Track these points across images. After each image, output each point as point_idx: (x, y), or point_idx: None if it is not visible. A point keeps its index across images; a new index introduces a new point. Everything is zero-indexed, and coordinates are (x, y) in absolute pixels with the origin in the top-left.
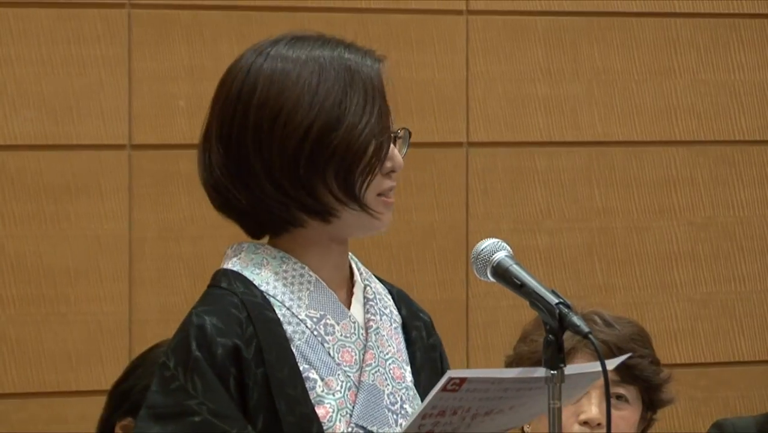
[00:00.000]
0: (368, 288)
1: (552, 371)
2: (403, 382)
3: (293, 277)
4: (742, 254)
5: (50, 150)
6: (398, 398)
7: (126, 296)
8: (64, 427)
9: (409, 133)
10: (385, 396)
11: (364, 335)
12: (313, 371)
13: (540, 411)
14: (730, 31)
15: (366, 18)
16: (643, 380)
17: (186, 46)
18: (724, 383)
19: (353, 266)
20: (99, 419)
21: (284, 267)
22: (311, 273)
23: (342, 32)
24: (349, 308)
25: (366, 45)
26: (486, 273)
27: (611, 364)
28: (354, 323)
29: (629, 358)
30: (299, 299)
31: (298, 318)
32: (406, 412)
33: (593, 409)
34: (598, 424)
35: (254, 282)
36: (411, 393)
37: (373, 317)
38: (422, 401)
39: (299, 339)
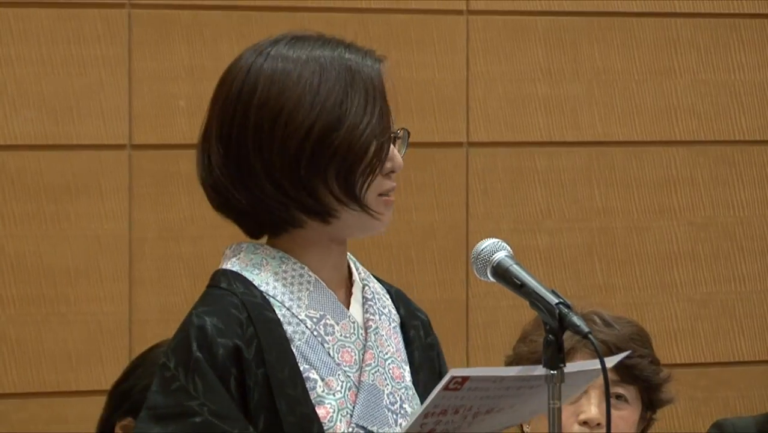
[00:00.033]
0: (367, 288)
1: (552, 371)
2: (403, 382)
3: (293, 277)
4: (742, 254)
5: (50, 150)
6: (398, 398)
7: (126, 296)
8: (64, 427)
9: (408, 134)
10: (385, 396)
11: (364, 334)
12: (313, 371)
13: (540, 409)
14: (730, 31)
15: (366, 18)
16: (642, 380)
17: (186, 46)
18: (724, 383)
19: (351, 265)
20: (99, 419)
21: (284, 267)
22: (311, 273)
23: (342, 32)
24: (348, 308)
25: (366, 45)
26: (486, 273)
27: (611, 362)
28: (353, 323)
29: (629, 358)
30: (299, 299)
31: (298, 318)
32: (406, 412)
33: (593, 409)
34: (598, 424)
35: (254, 282)
36: (410, 393)
37: (372, 317)
38: (421, 400)
39: (299, 339)
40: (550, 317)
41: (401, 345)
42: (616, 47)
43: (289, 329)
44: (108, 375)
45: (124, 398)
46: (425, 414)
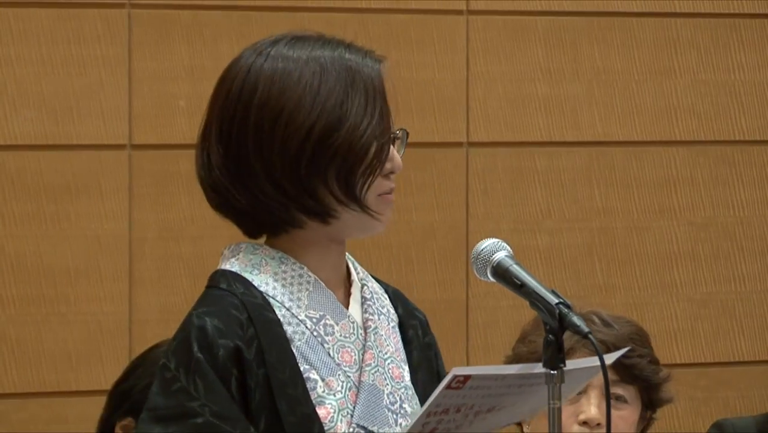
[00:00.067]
0: (365, 288)
1: (552, 371)
2: (402, 381)
3: (292, 277)
4: (742, 254)
5: (50, 150)
6: (397, 398)
7: (126, 296)
8: (64, 427)
9: (407, 134)
10: (385, 396)
11: (363, 334)
12: (313, 371)
13: (540, 406)
14: (730, 31)
15: (366, 18)
16: (642, 380)
17: (186, 46)
18: (724, 383)
19: (350, 265)
20: (99, 419)
21: (283, 268)
22: (310, 273)
23: (342, 32)
24: (347, 307)
25: (366, 45)
26: (486, 273)
27: (609, 358)
28: (353, 323)
29: (628, 357)
30: (299, 299)
31: (298, 319)
32: (406, 411)
33: (592, 409)
34: (598, 424)
35: (254, 283)
36: (410, 392)
37: (371, 317)
38: (420, 400)
39: (299, 340)
40: (550, 317)
41: (400, 345)
42: (616, 47)
43: (289, 330)
44: (108, 375)
45: (124, 398)
46: (428, 413)
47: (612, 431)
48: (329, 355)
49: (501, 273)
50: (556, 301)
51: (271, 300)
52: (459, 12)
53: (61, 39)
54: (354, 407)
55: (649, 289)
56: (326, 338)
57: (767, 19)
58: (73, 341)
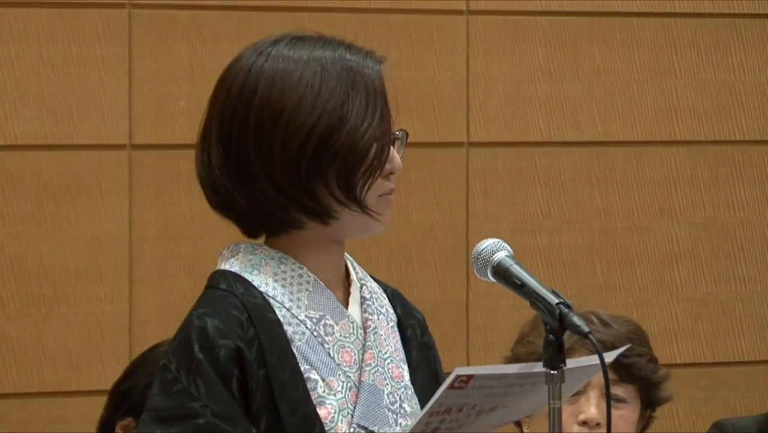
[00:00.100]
0: (364, 287)
1: (552, 371)
2: (402, 381)
3: (292, 278)
4: (742, 254)
5: (50, 150)
6: (397, 398)
7: (126, 296)
8: (64, 427)
9: (407, 135)
10: (385, 396)
11: (363, 334)
12: (314, 371)
13: (540, 404)
14: (730, 31)
15: (366, 18)
16: (641, 379)
17: (186, 46)
18: (724, 383)
19: (349, 265)
20: (99, 419)
21: (283, 268)
22: (309, 274)
23: (342, 32)
24: (346, 308)
25: (366, 45)
26: (486, 273)
27: (609, 357)
28: (352, 323)
29: (627, 357)
30: (298, 299)
31: (298, 319)
32: (405, 411)
33: (592, 409)
34: (597, 424)
35: (253, 283)
36: (409, 392)
37: (370, 317)
38: (419, 399)
39: (299, 340)
40: (551, 317)
41: (399, 344)
42: (616, 47)
43: (289, 330)
44: (108, 375)
45: (124, 398)
46: (430, 413)
47: (612, 430)
48: (329, 355)
49: (501, 273)
50: (557, 301)
51: (271, 300)
52: (459, 12)
53: (61, 39)
54: (354, 407)
55: (649, 289)
56: (326, 338)
57: (767, 19)
58: (73, 341)
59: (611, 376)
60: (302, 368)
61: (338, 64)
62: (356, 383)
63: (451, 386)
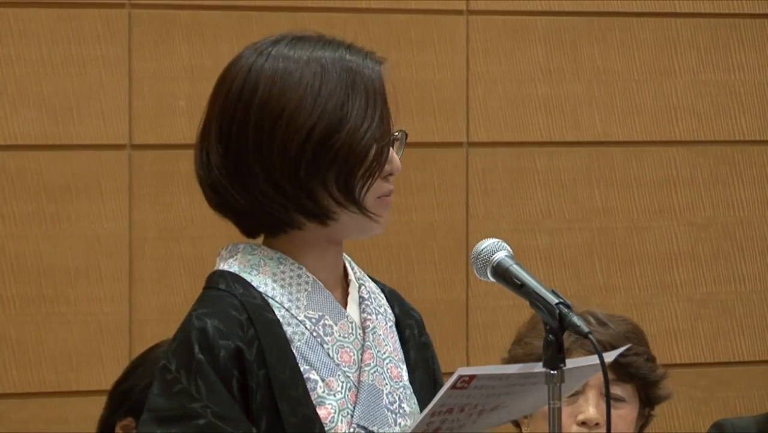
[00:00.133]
0: (363, 287)
1: (552, 371)
2: (401, 381)
3: (291, 278)
4: (742, 254)
5: (50, 150)
6: (396, 397)
7: (126, 296)
8: (64, 427)
9: (406, 136)
10: (384, 396)
11: (362, 334)
12: (313, 372)
13: (540, 404)
14: (730, 31)
15: (366, 18)
16: (639, 378)
17: (186, 46)
18: (724, 383)
19: (347, 265)
20: (99, 419)
21: (282, 268)
22: (308, 274)
23: (342, 32)
24: (345, 308)
25: (366, 45)
26: (486, 273)
27: (609, 357)
28: (351, 323)
29: (625, 356)
30: (297, 300)
31: (298, 319)
32: (405, 411)
33: (591, 409)
34: (596, 424)
35: (252, 283)
36: (408, 392)
37: (369, 317)
38: (418, 399)
39: (299, 340)
40: (550, 317)
41: (398, 344)
42: (616, 47)
43: (288, 330)
44: (108, 375)
45: (124, 398)
46: (432, 413)
47: (612, 430)
48: (329, 355)
49: (501, 273)
50: (556, 301)
51: (270, 301)
52: (459, 12)
53: (61, 39)
54: (354, 408)
55: (649, 289)
56: (325, 339)
57: (767, 19)
58: (73, 341)
59: (609, 375)
60: (302, 369)
61: (338, 64)
62: (355, 383)
63: (454, 386)
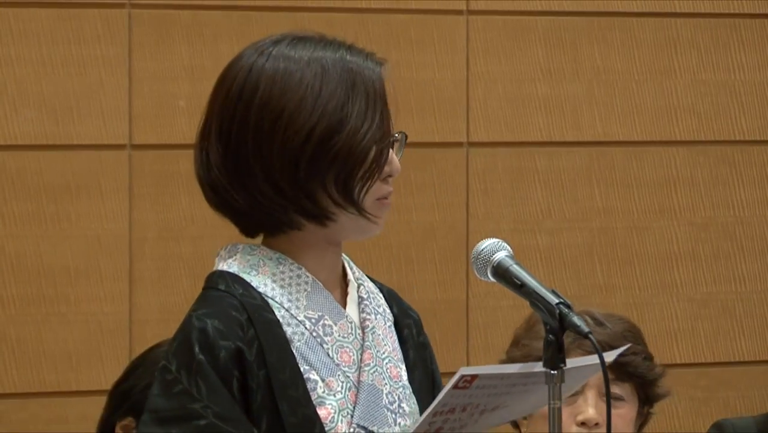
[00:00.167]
0: (362, 287)
1: (552, 371)
2: (400, 381)
3: (290, 278)
4: (742, 254)
5: (50, 150)
6: (396, 397)
7: (126, 296)
8: (64, 427)
9: (406, 137)
10: (384, 396)
11: (361, 334)
12: (313, 372)
13: (540, 404)
14: (730, 31)
15: (366, 18)
16: (637, 377)
17: (186, 46)
18: (724, 383)
19: (346, 265)
20: (99, 419)
21: (281, 268)
22: (308, 274)
23: (342, 32)
24: (344, 308)
25: (366, 45)
26: (486, 273)
27: (609, 357)
28: (351, 323)
29: (623, 355)
30: (297, 300)
31: (297, 319)
32: (404, 411)
33: (590, 409)
34: (596, 424)
35: (252, 284)
36: (407, 392)
37: (368, 317)
38: (417, 399)
39: (299, 340)
40: (551, 317)
41: (397, 344)
42: (616, 47)
43: (288, 330)
44: (108, 375)
45: (124, 398)
46: (434, 412)
47: (611, 430)
48: (328, 355)
49: (501, 273)
50: (557, 301)
51: (270, 301)
52: (459, 12)
53: (61, 39)
54: (354, 408)
55: (649, 289)
56: (325, 339)
57: (767, 19)
58: (73, 341)
59: (608, 374)
60: (302, 369)
61: (339, 65)
62: (355, 383)
63: (456, 386)
